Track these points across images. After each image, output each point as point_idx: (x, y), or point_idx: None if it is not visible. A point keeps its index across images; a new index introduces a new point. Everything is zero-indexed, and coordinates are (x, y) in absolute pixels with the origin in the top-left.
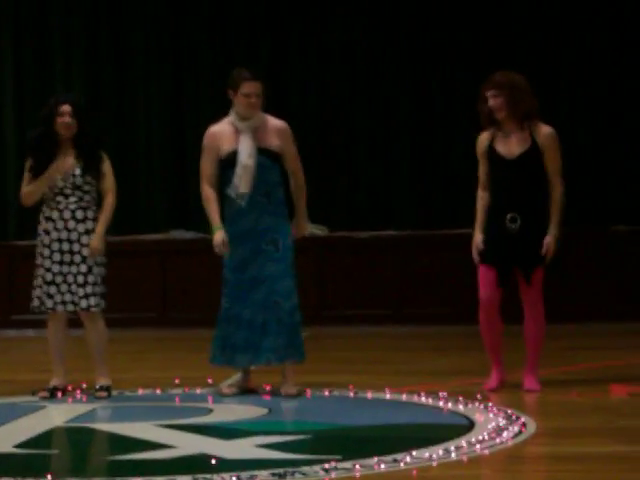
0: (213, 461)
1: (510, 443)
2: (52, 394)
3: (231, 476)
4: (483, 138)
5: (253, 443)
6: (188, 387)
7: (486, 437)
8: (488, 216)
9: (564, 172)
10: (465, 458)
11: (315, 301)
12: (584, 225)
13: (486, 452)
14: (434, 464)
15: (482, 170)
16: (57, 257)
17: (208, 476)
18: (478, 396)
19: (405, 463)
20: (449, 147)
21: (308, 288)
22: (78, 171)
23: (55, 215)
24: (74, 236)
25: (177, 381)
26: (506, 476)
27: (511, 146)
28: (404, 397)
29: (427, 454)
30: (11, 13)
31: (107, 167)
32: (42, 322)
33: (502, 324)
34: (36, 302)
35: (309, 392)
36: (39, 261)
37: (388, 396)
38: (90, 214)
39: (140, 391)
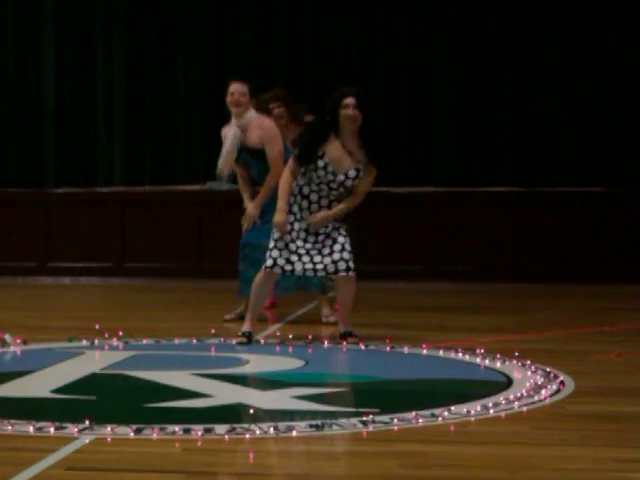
0: (250, 411)
1: (548, 401)
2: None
3: (269, 426)
4: None
5: (289, 394)
6: (224, 337)
7: (524, 394)
8: None
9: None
10: (503, 414)
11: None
12: (626, 185)
13: (524, 409)
14: (472, 419)
15: None
16: None
17: (246, 425)
18: (515, 353)
19: (443, 418)
20: (490, 104)
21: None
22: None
23: None
24: None
25: (213, 331)
26: (544, 433)
27: None
28: (441, 353)
29: (465, 409)
30: None
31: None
32: (77, 270)
33: None
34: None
35: (345, 345)
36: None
37: (425, 351)
38: None
39: (176, 340)
